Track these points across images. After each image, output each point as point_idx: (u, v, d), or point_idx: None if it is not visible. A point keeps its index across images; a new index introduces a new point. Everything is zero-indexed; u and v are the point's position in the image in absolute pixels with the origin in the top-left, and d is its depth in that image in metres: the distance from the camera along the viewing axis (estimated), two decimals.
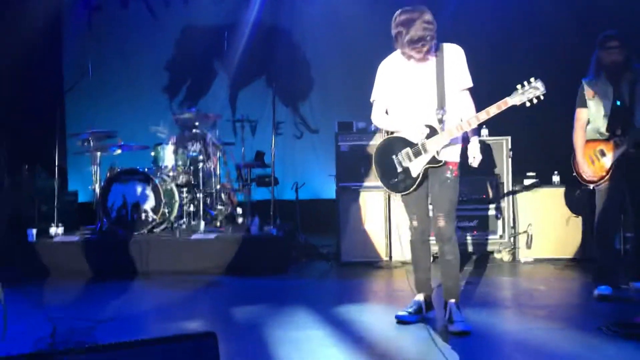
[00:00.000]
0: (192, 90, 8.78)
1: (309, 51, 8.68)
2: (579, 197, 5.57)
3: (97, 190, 6.08)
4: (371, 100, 3.73)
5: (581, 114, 4.34)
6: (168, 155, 6.28)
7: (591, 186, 4.30)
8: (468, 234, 5.78)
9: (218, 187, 6.44)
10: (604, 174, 4.21)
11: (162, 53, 8.71)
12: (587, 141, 4.29)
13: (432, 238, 3.72)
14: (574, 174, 4.42)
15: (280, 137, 8.32)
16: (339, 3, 8.35)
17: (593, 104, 4.25)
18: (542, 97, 3.31)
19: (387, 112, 3.70)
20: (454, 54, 3.52)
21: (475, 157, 3.61)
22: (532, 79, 3.32)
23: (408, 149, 3.55)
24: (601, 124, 4.22)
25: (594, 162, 4.26)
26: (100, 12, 8.75)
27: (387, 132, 3.82)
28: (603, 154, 4.23)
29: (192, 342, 1.50)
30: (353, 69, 7.87)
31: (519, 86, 3.34)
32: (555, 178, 5.87)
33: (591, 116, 4.29)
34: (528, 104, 3.32)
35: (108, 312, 4.17)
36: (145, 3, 8.71)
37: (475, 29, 7.35)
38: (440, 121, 3.46)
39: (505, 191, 5.79)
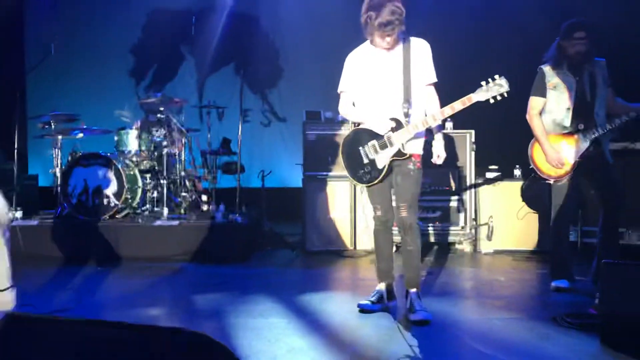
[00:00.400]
0: (159, 75, 8.65)
1: (278, 40, 8.64)
2: (536, 192, 5.63)
3: (58, 174, 5.95)
4: (339, 91, 3.75)
5: (537, 103, 4.19)
6: (131, 140, 6.18)
7: (551, 181, 4.22)
8: (431, 224, 5.86)
9: (183, 173, 6.37)
10: (568, 169, 4.11)
11: (128, 36, 8.57)
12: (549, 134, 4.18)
13: (396, 229, 3.77)
14: (531, 166, 4.30)
15: (248, 125, 8.26)
16: None
17: (553, 95, 4.13)
18: (505, 95, 3.36)
19: (354, 104, 3.72)
20: (421, 49, 3.57)
21: (439, 156, 3.64)
22: (496, 77, 3.37)
23: (374, 142, 3.59)
24: (564, 116, 4.10)
25: (558, 153, 4.15)
26: None
27: (354, 124, 3.84)
28: (561, 162, 4.11)
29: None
30: (322, 59, 7.87)
31: (483, 83, 3.38)
32: (517, 172, 6.00)
33: (549, 107, 4.16)
34: (492, 101, 3.37)
35: (66, 300, 4.09)
36: None
37: (448, 26, 7.42)
38: (406, 115, 3.50)
39: (468, 184, 5.89)
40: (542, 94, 4.18)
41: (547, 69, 4.18)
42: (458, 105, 3.41)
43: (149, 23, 8.57)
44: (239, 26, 8.50)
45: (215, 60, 8.59)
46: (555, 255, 4.37)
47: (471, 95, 3.40)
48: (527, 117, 4.28)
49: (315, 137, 5.96)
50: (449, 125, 5.95)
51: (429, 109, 3.57)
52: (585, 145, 4.08)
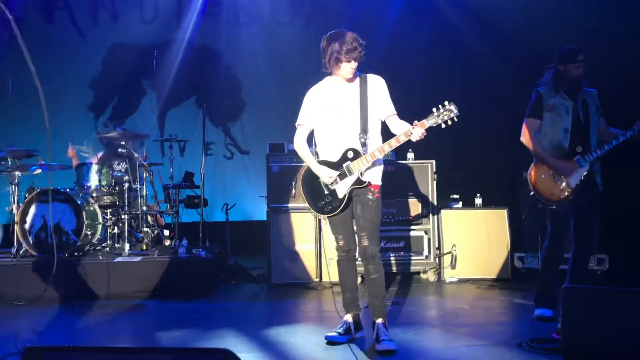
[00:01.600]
0: (119, 109, 8.56)
1: (240, 72, 8.68)
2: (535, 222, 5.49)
3: (15, 211, 5.79)
4: (296, 124, 3.86)
5: (533, 124, 4.18)
6: (92, 175, 6.06)
7: (554, 206, 4.12)
8: (395, 254, 5.90)
9: (144, 208, 6.25)
10: (567, 193, 4.08)
11: (87, 70, 8.47)
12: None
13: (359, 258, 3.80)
14: (532, 192, 4.22)
15: (211, 158, 8.24)
16: (272, 26, 8.46)
17: (549, 117, 4.15)
18: (455, 119, 3.50)
19: (311, 137, 3.85)
20: (377, 83, 3.74)
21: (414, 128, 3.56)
22: (446, 102, 3.52)
23: (333, 171, 3.67)
24: (561, 137, 4.11)
25: (557, 181, 4.11)
26: (22, 26, 8.38)
27: (315, 154, 3.90)
28: (580, 163, 4.08)
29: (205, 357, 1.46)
30: (285, 91, 7.94)
31: (434, 109, 3.53)
32: (478, 200, 6.11)
33: (545, 129, 4.17)
34: (443, 125, 3.52)
35: (19, 342, 3.91)
36: (71, 19, 8.45)
37: (404, 59, 7.62)
38: (363, 144, 3.64)
39: (431, 213, 5.96)
40: (538, 115, 4.19)
41: (544, 91, 4.21)
42: (413, 130, 3.52)
43: (109, 57, 8.50)
44: (201, 59, 8.52)
45: (176, 93, 8.55)
46: (542, 282, 4.29)
47: (424, 120, 3.53)
48: (523, 139, 4.24)
49: (279, 169, 5.97)
50: (410, 155, 6.05)
51: (398, 131, 3.63)
52: (584, 169, 4.08)
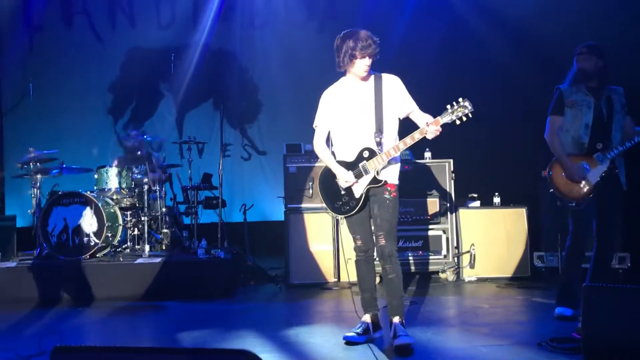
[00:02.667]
0: (138, 112, 8.65)
1: (257, 74, 8.73)
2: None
3: (37, 214, 5.88)
4: (314, 126, 3.88)
5: (557, 121, 4.18)
6: (112, 178, 6.14)
7: (573, 203, 4.08)
8: (413, 253, 5.88)
9: (164, 209, 6.32)
10: (589, 190, 4.04)
11: (106, 74, 8.57)
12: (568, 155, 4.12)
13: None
14: (551, 190, 4.20)
15: (228, 159, 8.28)
16: (286, 28, 8.48)
17: (571, 113, 4.14)
18: (470, 115, 3.49)
19: (329, 137, 3.86)
20: (393, 82, 3.75)
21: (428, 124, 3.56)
22: (460, 99, 3.52)
23: (350, 172, 3.69)
24: (582, 133, 4.09)
25: (574, 179, 4.07)
26: (43, 32, 8.54)
27: (332, 154, 3.92)
28: (583, 176, 4.05)
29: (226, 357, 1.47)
30: (300, 92, 7.96)
31: (448, 106, 3.53)
32: (496, 199, 6.08)
33: (567, 125, 4.15)
34: (458, 122, 3.53)
35: (44, 343, 3.96)
36: (90, 24, 8.56)
37: (419, 58, 7.61)
38: (379, 144, 3.64)
39: (449, 212, 5.94)
40: (560, 112, 4.18)
41: (565, 88, 4.21)
42: (428, 127, 3.53)
43: (127, 61, 8.60)
44: (217, 62, 8.58)
45: (194, 96, 8.62)
46: (563, 281, 4.25)
47: (438, 117, 3.54)
48: (546, 136, 4.23)
49: (296, 169, 5.99)
50: (427, 155, 6.04)
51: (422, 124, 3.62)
52: (604, 166, 4.04)
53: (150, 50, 8.44)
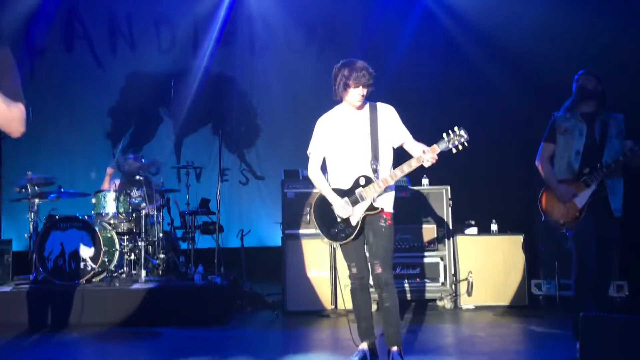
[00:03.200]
0: (137, 136, 8.68)
1: (255, 99, 8.79)
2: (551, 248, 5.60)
3: (34, 238, 5.87)
4: (308, 152, 3.91)
5: (547, 148, 4.26)
6: (109, 202, 6.14)
7: (564, 230, 4.13)
8: (410, 281, 5.86)
9: (161, 234, 6.31)
10: (577, 214, 4.07)
11: (106, 99, 8.61)
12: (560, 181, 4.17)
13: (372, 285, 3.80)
14: (544, 218, 4.25)
15: (226, 184, 8.29)
16: (286, 54, 8.58)
17: (563, 140, 4.20)
18: (466, 144, 3.56)
19: (324, 164, 3.89)
20: (387, 112, 3.81)
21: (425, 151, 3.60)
22: (455, 128, 3.58)
23: (346, 198, 3.71)
24: (573, 159, 4.13)
25: (565, 203, 4.12)
26: (44, 56, 8.61)
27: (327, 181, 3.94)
28: (574, 194, 4.09)
29: None
30: (299, 117, 8.01)
31: (444, 134, 3.60)
32: (494, 226, 6.07)
33: (560, 152, 4.21)
34: (454, 150, 3.58)
35: None
36: (91, 49, 8.63)
37: (417, 84, 7.70)
38: (375, 171, 3.68)
39: (446, 239, 5.94)
40: (552, 139, 4.25)
41: (559, 115, 4.28)
42: (423, 155, 3.58)
43: (127, 86, 8.65)
44: (217, 87, 8.64)
45: (193, 120, 8.67)
46: (577, 312, 3.95)
47: (434, 145, 3.60)
48: (537, 162, 4.31)
49: (294, 195, 5.99)
50: (425, 181, 6.05)
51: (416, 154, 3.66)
52: (591, 189, 4.06)
53: (151, 75, 8.51)
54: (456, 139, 3.56)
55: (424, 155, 3.56)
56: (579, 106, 4.20)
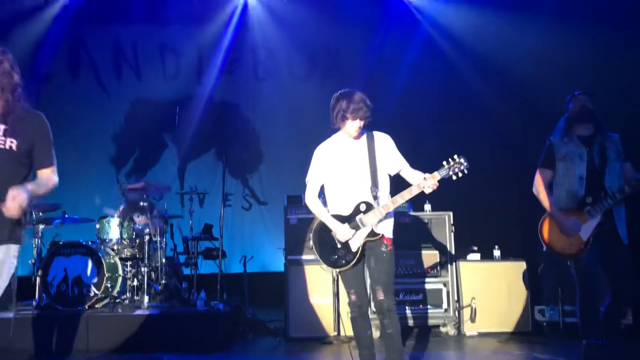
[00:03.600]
0: (140, 162, 8.74)
1: (258, 125, 8.86)
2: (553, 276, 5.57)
3: (38, 264, 5.88)
4: (306, 180, 3.95)
5: (546, 175, 4.15)
6: (113, 228, 6.16)
7: (569, 260, 4.08)
8: (413, 307, 5.82)
9: (164, 260, 6.32)
10: (582, 246, 3.95)
11: (110, 124, 8.70)
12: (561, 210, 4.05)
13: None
14: (544, 248, 4.15)
15: (229, 209, 8.31)
16: (289, 81, 8.69)
17: (563, 166, 4.08)
18: (466, 171, 3.64)
19: (322, 192, 3.92)
20: (384, 140, 3.88)
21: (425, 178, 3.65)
22: (455, 156, 3.67)
23: (346, 224, 3.72)
24: (577, 186, 4.01)
25: (570, 235, 4.00)
26: (50, 83, 8.72)
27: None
28: (579, 229, 3.97)
29: None
30: (301, 143, 8.04)
31: (444, 162, 3.68)
32: (496, 252, 6.07)
33: (560, 179, 4.10)
34: (454, 177, 3.66)
35: None
36: (96, 75, 8.75)
37: (418, 110, 7.78)
38: (375, 197, 3.71)
39: (449, 265, 5.93)
40: (550, 165, 4.14)
41: (556, 139, 4.16)
42: (424, 182, 3.65)
43: (131, 112, 8.73)
44: (220, 113, 8.72)
45: (197, 146, 8.73)
46: (586, 344, 3.78)
47: (435, 172, 3.66)
48: (534, 189, 4.19)
49: (296, 221, 6.01)
50: (427, 207, 6.07)
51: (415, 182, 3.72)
52: (596, 220, 3.95)
53: (155, 102, 8.60)
54: (456, 166, 3.64)
55: (425, 182, 3.62)
56: (577, 128, 4.08)
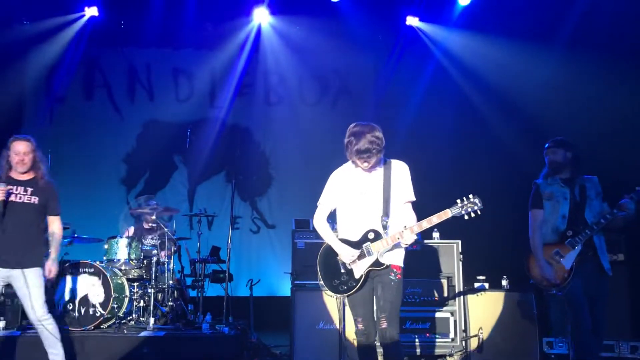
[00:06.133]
0: (150, 183, 8.79)
1: (269, 148, 8.93)
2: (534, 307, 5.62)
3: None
4: (318, 203, 3.93)
5: (538, 215, 4.40)
6: (121, 248, 6.18)
7: (554, 291, 4.26)
8: (420, 336, 5.76)
9: (171, 282, 6.32)
10: (565, 275, 4.19)
11: (122, 145, 8.79)
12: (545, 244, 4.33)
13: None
14: (531, 281, 4.40)
15: (237, 232, 8.33)
16: (300, 105, 8.77)
17: (549, 205, 4.35)
18: (479, 212, 3.58)
19: (332, 216, 3.91)
20: (400, 169, 3.82)
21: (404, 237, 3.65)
22: (470, 195, 3.61)
23: (352, 249, 3.69)
24: (559, 223, 4.29)
25: (552, 265, 4.26)
26: (63, 104, 8.84)
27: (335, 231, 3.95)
28: (560, 256, 4.23)
29: None
30: (311, 167, 8.11)
31: (458, 200, 3.62)
32: (504, 282, 6.01)
33: (547, 217, 4.35)
34: (466, 217, 3.60)
35: None
36: (110, 97, 8.87)
37: (429, 140, 7.80)
38: (385, 227, 3.68)
39: (457, 294, 5.88)
40: (540, 205, 4.40)
41: (541, 182, 4.46)
42: (435, 219, 3.62)
43: (143, 133, 8.83)
44: (232, 136, 8.79)
45: (207, 168, 8.79)
46: None
47: (447, 210, 3.62)
48: (531, 233, 4.40)
49: (304, 245, 5.99)
50: (435, 235, 6.05)
51: (407, 224, 3.70)
52: (577, 250, 4.20)
53: (167, 123, 8.70)
54: (469, 206, 3.58)
55: (402, 233, 3.58)
56: (554, 176, 4.39)
